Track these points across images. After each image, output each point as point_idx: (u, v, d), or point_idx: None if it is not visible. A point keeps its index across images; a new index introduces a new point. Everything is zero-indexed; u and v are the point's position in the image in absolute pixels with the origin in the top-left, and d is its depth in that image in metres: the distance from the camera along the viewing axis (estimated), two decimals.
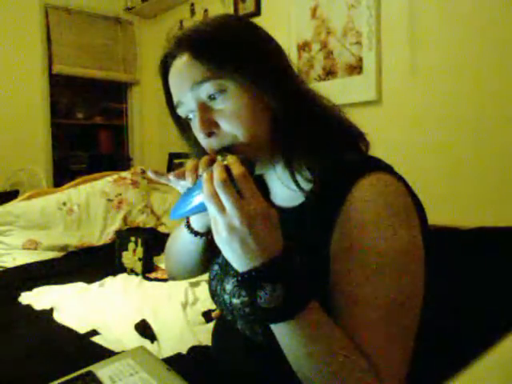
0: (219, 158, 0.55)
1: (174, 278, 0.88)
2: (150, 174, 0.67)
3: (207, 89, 0.59)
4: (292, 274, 0.50)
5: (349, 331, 0.52)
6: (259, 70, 0.60)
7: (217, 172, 0.50)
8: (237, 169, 0.50)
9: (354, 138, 0.66)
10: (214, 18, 0.65)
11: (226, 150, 0.59)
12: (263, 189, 0.70)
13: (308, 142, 0.61)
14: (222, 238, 0.50)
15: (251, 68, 0.59)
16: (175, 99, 0.64)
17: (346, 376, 0.50)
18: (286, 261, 0.50)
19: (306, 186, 0.62)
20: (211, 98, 0.60)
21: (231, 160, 0.52)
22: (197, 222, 0.71)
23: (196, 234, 0.72)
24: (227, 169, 0.51)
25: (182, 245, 0.77)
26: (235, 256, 0.50)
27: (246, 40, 0.62)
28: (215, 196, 0.49)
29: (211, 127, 0.60)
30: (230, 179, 0.49)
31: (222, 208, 0.49)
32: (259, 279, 0.49)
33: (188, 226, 0.72)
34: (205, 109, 0.60)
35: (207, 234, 0.72)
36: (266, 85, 0.60)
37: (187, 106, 0.62)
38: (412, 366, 0.54)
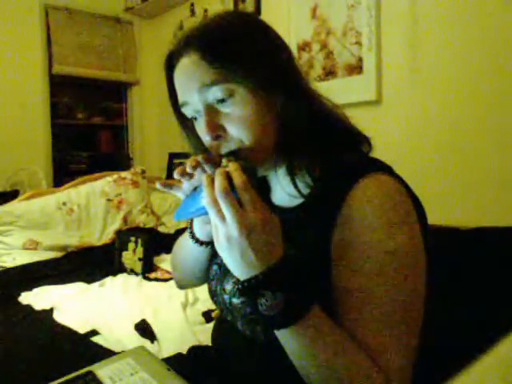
0: (224, 161, 0.55)
1: (182, 287, 0.86)
2: (159, 186, 0.65)
3: (215, 92, 0.58)
4: (292, 281, 0.50)
5: (352, 332, 0.52)
6: (271, 75, 0.58)
7: (218, 180, 0.49)
8: (238, 177, 0.50)
9: (356, 140, 0.65)
10: (225, 15, 0.63)
11: (231, 154, 0.59)
12: (265, 189, 0.70)
13: (312, 146, 0.61)
14: (221, 246, 0.50)
15: (263, 73, 0.58)
16: (181, 99, 0.62)
17: (351, 377, 0.50)
18: (286, 268, 0.50)
19: (306, 191, 0.61)
20: (219, 101, 0.58)
21: (233, 168, 0.51)
22: (200, 231, 0.70)
23: (201, 243, 0.71)
24: (229, 176, 0.50)
25: (188, 253, 0.76)
26: (235, 264, 0.50)
27: (259, 44, 0.60)
28: (216, 203, 0.49)
29: (217, 130, 0.59)
30: (231, 187, 0.49)
31: (222, 216, 0.49)
32: (259, 287, 0.49)
33: (192, 236, 0.71)
34: (212, 112, 0.59)
35: (212, 243, 0.70)
36: (277, 90, 0.58)
37: (193, 107, 0.61)
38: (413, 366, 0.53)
